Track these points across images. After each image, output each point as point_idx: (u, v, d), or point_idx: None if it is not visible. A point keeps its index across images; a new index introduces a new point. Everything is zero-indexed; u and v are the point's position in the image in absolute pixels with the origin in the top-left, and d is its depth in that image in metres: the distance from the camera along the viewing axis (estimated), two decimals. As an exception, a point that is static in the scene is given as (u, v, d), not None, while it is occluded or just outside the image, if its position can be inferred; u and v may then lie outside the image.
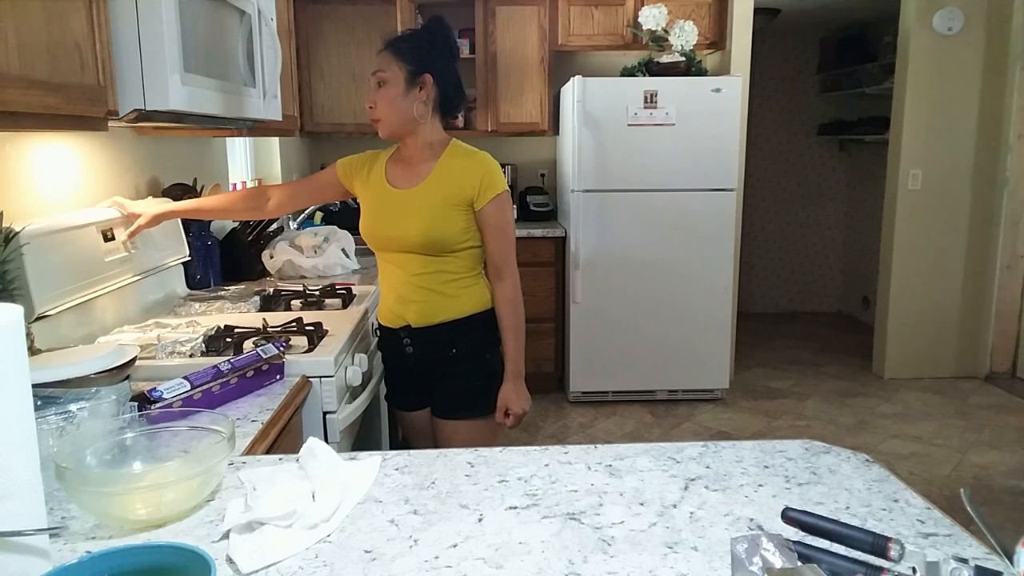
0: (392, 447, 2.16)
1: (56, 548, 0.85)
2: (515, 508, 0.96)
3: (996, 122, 4.18)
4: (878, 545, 0.76)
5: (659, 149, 3.73)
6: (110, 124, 1.44)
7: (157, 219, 1.94)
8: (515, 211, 4.14)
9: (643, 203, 3.78)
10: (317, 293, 2.15)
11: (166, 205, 2.00)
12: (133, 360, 1.28)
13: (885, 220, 4.40)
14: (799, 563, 0.74)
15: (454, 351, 1.75)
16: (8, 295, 1.35)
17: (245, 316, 1.93)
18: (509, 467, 1.08)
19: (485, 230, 1.72)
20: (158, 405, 1.20)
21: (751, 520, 0.92)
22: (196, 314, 1.96)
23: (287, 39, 2.54)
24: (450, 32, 1.73)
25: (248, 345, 1.60)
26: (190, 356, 1.57)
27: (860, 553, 0.77)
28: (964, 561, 0.71)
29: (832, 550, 0.78)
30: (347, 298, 2.13)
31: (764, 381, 4.39)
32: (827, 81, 5.68)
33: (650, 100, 3.70)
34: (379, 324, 1.86)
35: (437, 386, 1.80)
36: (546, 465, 1.08)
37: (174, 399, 1.24)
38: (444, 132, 1.76)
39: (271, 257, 2.54)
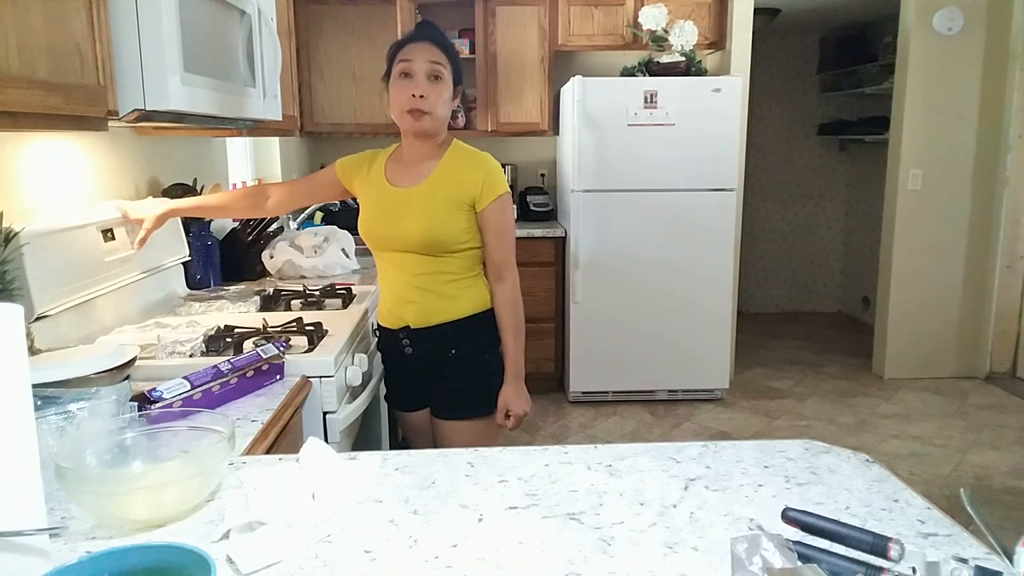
0: (392, 447, 2.16)
1: (56, 548, 0.85)
2: (515, 508, 0.96)
3: (996, 122, 4.18)
4: (878, 545, 0.76)
5: (659, 149, 3.73)
6: (110, 124, 1.44)
7: (161, 220, 1.93)
8: (515, 212, 4.16)
9: (643, 203, 3.78)
10: (317, 293, 2.15)
11: (168, 204, 2.00)
12: (133, 360, 1.28)
13: (885, 220, 4.40)
14: (799, 563, 0.74)
15: (453, 352, 1.75)
16: (8, 295, 1.35)
17: (245, 316, 1.93)
18: (509, 467, 1.08)
19: (486, 231, 1.72)
20: (158, 405, 1.20)
21: (751, 520, 0.92)
22: (196, 314, 1.96)
23: (287, 39, 2.54)
24: None
25: (248, 345, 1.60)
26: (190, 356, 1.57)
27: (860, 553, 0.77)
28: (964, 561, 0.71)
29: (832, 550, 0.78)
30: (347, 298, 2.13)
31: (764, 381, 4.39)
32: (827, 81, 5.69)
33: (650, 100, 3.69)
34: (378, 325, 1.86)
35: (437, 387, 1.79)
36: (546, 465, 1.08)
37: (174, 399, 1.24)
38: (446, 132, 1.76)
39: (271, 257, 2.54)
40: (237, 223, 2.60)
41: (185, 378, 1.29)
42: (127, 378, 1.27)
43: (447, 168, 1.70)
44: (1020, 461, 3.26)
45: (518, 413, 1.76)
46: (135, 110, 1.39)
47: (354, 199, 1.87)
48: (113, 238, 1.84)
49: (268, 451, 1.24)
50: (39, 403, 1.06)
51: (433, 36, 1.67)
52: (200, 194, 2.31)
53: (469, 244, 1.72)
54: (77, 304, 1.64)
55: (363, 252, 2.42)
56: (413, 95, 1.63)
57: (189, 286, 2.32)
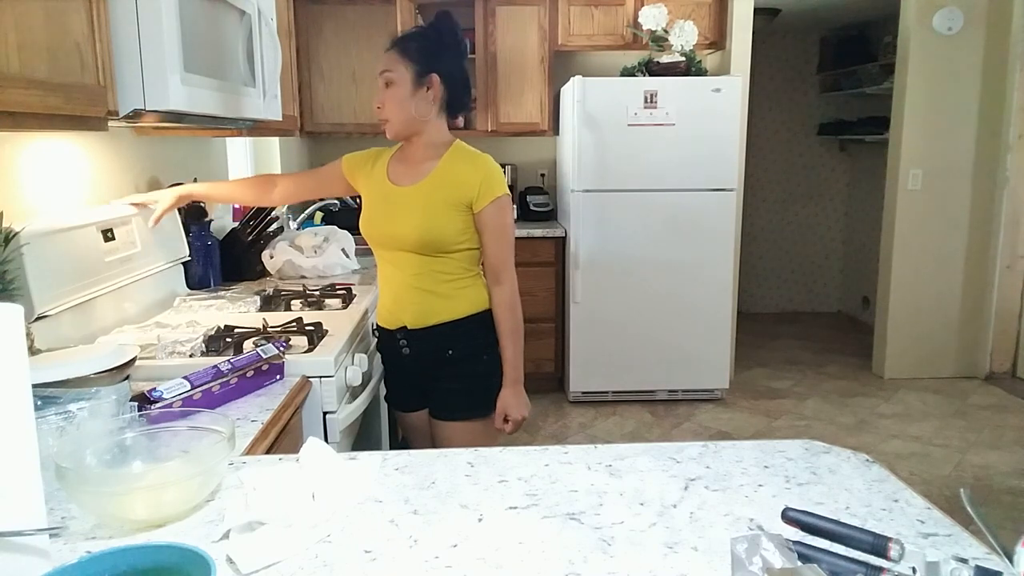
0: (392, 447, 2.16)
1: (56, 548, 0.85)
2: (515, 508, 0.96)
3: (996, 122, 4.17)
4: (878, 545, 0.76)
5: (659, 149, 3.73)
6: (110, 124, 1.44)
7: (179, 200, 1.98)
8: (515, 213, 4.15)
9: (643, 203, 3.78)
10: (317, 293, 2.15)
11: (183, 187, 2.02)
12: (133, 360, 1.28)
13: (885, 220, 4.40)
14: (799, 563, 0.74)
15: (451, 352, 1.75)
16: (8, 295, 1.35)
17: (245, 316, 1.93)
18: (509, 467, 1.08)
19: (484, 233, 1.72)
20: (158, 405, 1.20)
21: (751, 520, 0.92)
22: (196, 314, 1.96)
23: (287, 39, 2.54)
24: (458, 29, 1.71)
25: (248, 345, 1.60)
26: (190, 356, 1.57)
27: (860, 553, 0.77)
28: (964, 561, 0.71)
29: (832, 550, 0.78)
30: (347, 298, 2.13)
31: (764, 381, 4.39)
32: (827, 81, 5.68)
33: (650, 100, 3.69)
34: (377, 325, 1.86)
35: (435, 387, 1.79)
36: (546, 465, 1.08)
37: (174, 399, 1.24)
38: (448, 133, 1.75)
39: (271, 257, 2.54)
40: (237, 223, 2.60)
41: (185, 378, 1.29)
42: (127, 378, 1.27)
43: (446, 168, 1.70)
44: (1020, 461, 3.26)
45: (516, 418, 1.75)
46: (135, 110, 1.39)
47: (354, 198, 1.88)
48: (113, 238, 1.84)
49: (268, 451, 1.24)
50: (39, 403, 1.06)
51: (392, 43, 1.69)
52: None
53: (466, 245, 1.71)
54: (77, 304, 1.64)
55: (363, 252, 2.42)
56: (377, 107, 1.70)
57: (189, 286, 2.32)
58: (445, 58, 1.68)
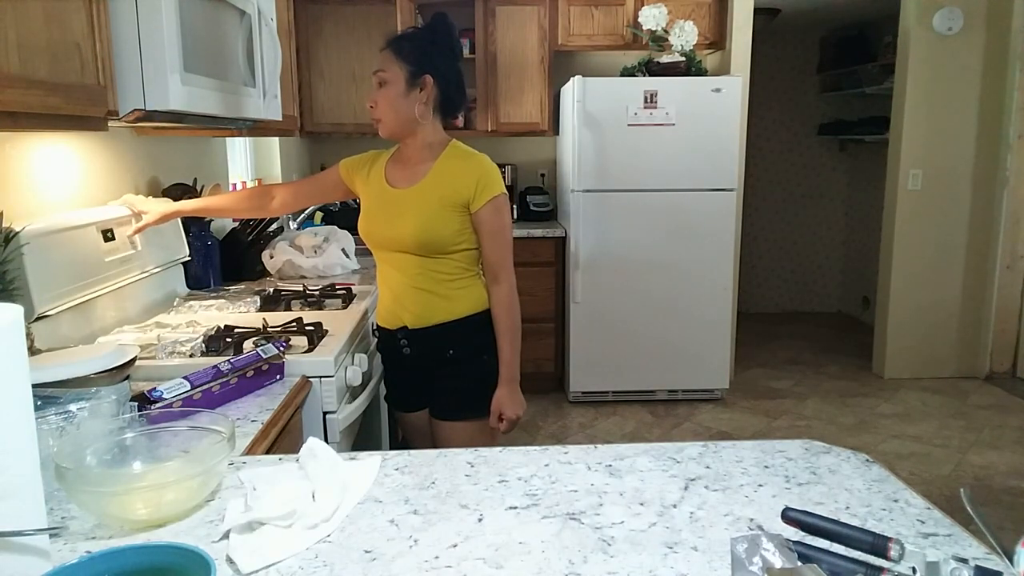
0: (392, 447, 2.16)
1: (56, 548, 0.85)
2: (515, 508, 0.96)
3: (996, 122, 4.18)
4: (878, 545, 0.76)
5: (659, 149, 3.73)
6: (110, 124, 1.44)
7: (164, 217, 1.95)
8: (514, 213, 4.15)
9: (643, 203, 3.78)
10: (317, 293, 2.15)
11: (174, 204, 2.01)
12: (133, 360, 1.28)
13: (885, 220, 4.40)
14: (799, 563, 0.74)
15: (451, 352, 1.75)
16: (8, 295, 1.35)
17: (245, 316, 1.93)
18: (509, 467, 1.08)
19: (481, 233, 1.71)
20: (158, 405, 1.21)
21: (751, 520, 0.92)
22: (196, 314, 1.96)
23: (287, 39, 2.54)
24: (453, 31, 1.71)
25: (248, 345, 1.60)
26: (190, 356, 1.57)
27: (860, 553, 0.77)
28: (964, 561, 0.71)
29: (832, 550, 0.78)
30: (347, 298, 2.13)
31: (764, 381, 4.39)
32: (827, 81, 5.68)
33: (650, 100, 3.69)
34: (377, 325, 1.86)
35: (435, 387, 1.79)
36: (546, 465, 1.08)
37: (174, 399, 1.24)
38: (444, 133, 1.75)
39: (271, 257, 2.54)
40: (237, 223, 2.60)
41: (185, 378, 1.29)
42: (127, 378, 1.27)
43: (442, 169, 1.70)
44: (1020, 461, 3.26)
45: (511, 416, 1.75)
46: (135, 110, 1.39)
47: (355, 199, 1.88)
48: (113, 238, 1.84)
49: (268, 451, 1.24)
50: (39, 403, 1.06)
51: (387, 43, 1.69)
52: (200, 194, 2.31)
53: (464, 245, 1.71)
54: (77, 304, 1.64)
55: (363, 252, 2.42)
56: (370, 106, 1.70)
57: (189, 286, 2.32)
58: (439, 59, 1.67)
